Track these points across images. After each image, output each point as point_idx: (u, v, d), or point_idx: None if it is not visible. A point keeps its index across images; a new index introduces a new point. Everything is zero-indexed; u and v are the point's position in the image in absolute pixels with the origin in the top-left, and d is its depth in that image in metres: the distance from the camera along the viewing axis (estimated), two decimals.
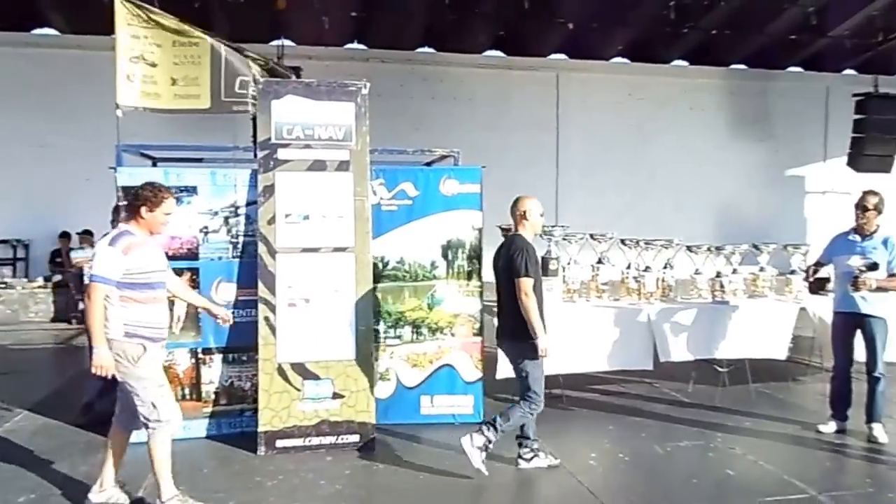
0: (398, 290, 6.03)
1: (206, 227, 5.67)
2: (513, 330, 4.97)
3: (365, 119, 5.57)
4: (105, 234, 4.31)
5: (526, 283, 4.82)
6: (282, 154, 5.47)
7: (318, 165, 5.52)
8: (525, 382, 4.98)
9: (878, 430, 5.83)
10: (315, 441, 5.45)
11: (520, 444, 5.22)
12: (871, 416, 5.87)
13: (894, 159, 12.18)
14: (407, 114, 11.38)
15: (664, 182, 12.31)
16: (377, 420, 5.66)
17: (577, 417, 6.37)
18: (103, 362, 4.09)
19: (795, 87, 13.51)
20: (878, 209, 5.80)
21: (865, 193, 5.91)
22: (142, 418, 4.25)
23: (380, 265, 5.97)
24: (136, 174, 5.58)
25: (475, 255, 6.10)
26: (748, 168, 12.21)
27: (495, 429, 4.93)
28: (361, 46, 11.44)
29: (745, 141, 13.04)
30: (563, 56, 12.23)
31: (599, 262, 6.84)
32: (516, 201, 5.19)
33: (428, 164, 6.99)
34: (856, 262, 5.59)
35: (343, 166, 5.55)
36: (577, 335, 6.27)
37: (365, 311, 5.57)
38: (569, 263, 6.78)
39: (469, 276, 6.10)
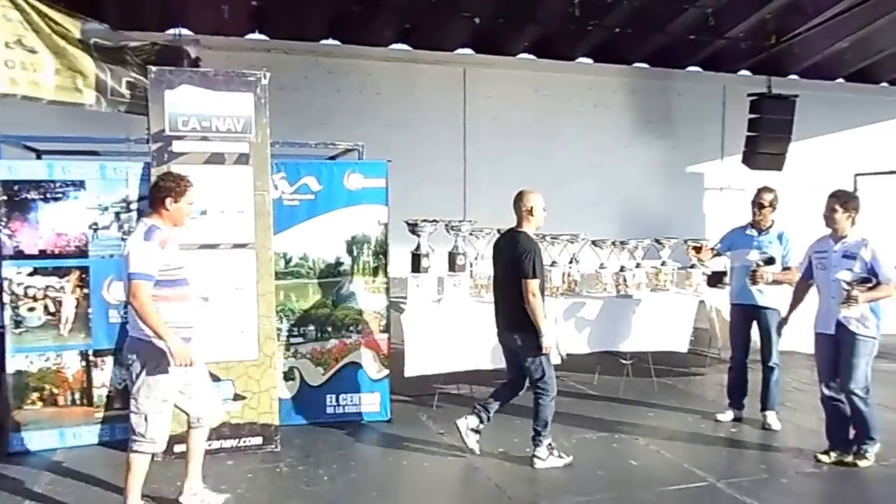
0: (302, 287, 5.95)
1: (95, 224, 5.45)
2: (517, 323, 5.17)
3: (265, 110, 5.45)
4: (133, 232, 4.15)
5: (533, 285, 5.04)
6: (177, 147, 5.29)
7: (215, 158, 5.37)
8: (533, 373, 5.19)
9: (771, 417, 6.15)
10: (215, 445, 5.30)
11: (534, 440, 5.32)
12: (765, 405, 6.18)
13: (785, 158, 12.81)
14: (312, 107, 11.18)
15: (571, 178, 12.51)
16: (281, 421, 5.59)
17: None
18: (183, 352, 3.94)
19: (694, 87, 13.99)
20: (773, 205, 6.15)
21: (761, 190, 6.23)
22: (130, 426, 4.08)
23: (282, 261, 5.87)
24: (17, 168, 5.30)
25: (381, 251, 6.08)
26: (651, 165, 12.60)
27: (487, 416, 5.33)
28: (263, 37, 11.16)
29: (648, 138, 13.44)
30: (469, 51, 12.29)
31: None
32: (521, 196, 5.38)
33: (332, 158, 6.91)
34: (754, 256, 5.90)
35: (242, 159, 5.42)
36: (485, 331, 6.31)
37: (267, 310, 5.46)
38: (476, 259, 6.84)
39: (375, 273, 6.08)
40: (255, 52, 10.83)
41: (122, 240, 5.45)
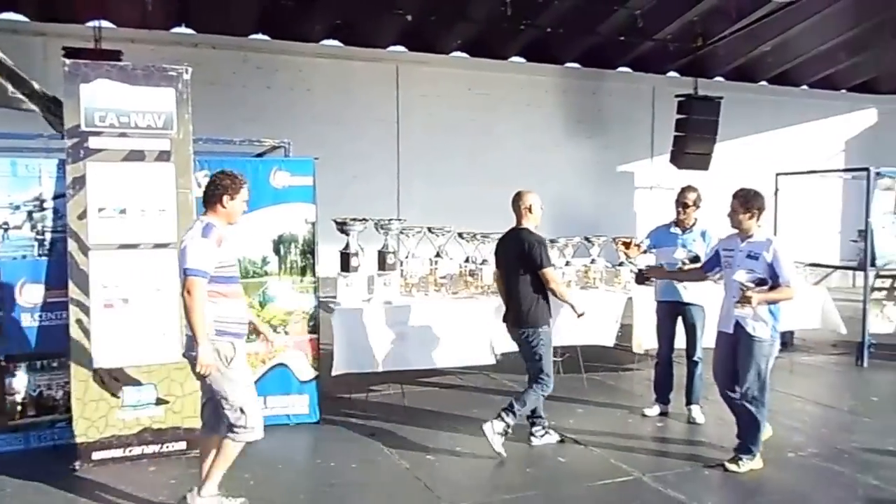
0: None
1: (6, 223, 5.23)
2: (525, 316, 5.43)
3: (187, 106, 5.31)
4: (189, 228, 4.18)
5: (551, 272, 5.39)
6: (93, 143, 5.10)
7: (135, 155, 5.20)
8: (537, 366, 5.45)
9: (696, 411, 6.29)
10: (137, 451, 5.17)
11: (532, 423, 5.66)
12: (690, 399, 6.32)
13: (711, 157, 13.18)
14: (241, 104, 11.01)
15: (503, 176, 12.56)
16: None
17: (416, 413, 6.41)
18: (209, 361, 3.99)
19: (625, 87, 14.28)
20: (697, 204, 6.26)
21: (684, 190, 6.35)
22: (227, 422, 4.13)
23: None
24: None
25: (309, 250, 5.99)
26: (582, 164, 12.83)
27: (514, 413, 5.36)
28: (190, 31, 10.92)
29: (580, 137, 13.65)
30: (402, 48, 12.29)
31: (438, 255, 6.93)
32: (519, 196, 5.60)
33: (259, 155, 6.79)
34: (680, 254, 5.97)
35: (163, 156, 5.27)
36: (415, 331, 6.31)
37: None
38: (407, 257, 6.82)
39: (303, 272, 5.99)
40: (182, 47, 10.60)
41: (36, 240, 5.27)
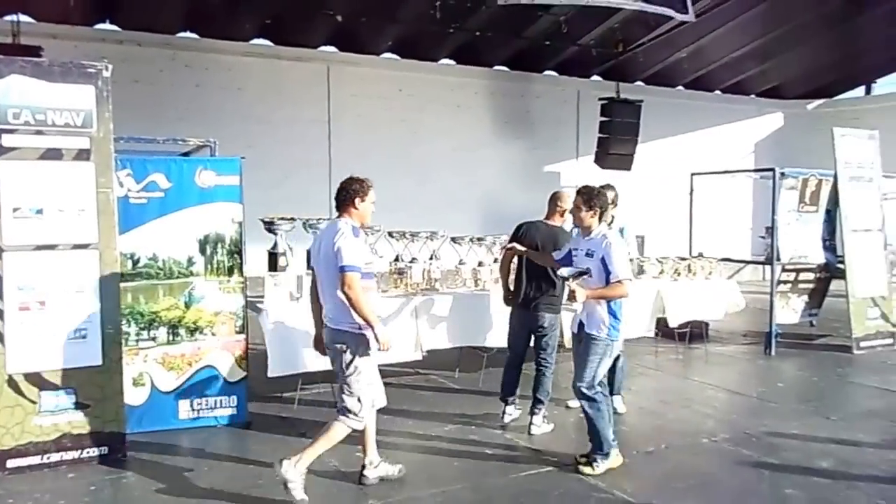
0: (151, 288, 5.55)
1: None
2: (541, 302, 5.74)
3: (108, 104, 5.03)
4: (338, 231, 4.32)
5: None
6: (7, 141, 4.78)
7: (52, 154, 4.90)
8: (550, 350, 5.81)
9: (617, 401, 6.32)
10: (55, 457, 4.88)
11: (533, 413, 5.82)
12: (611, 390, 6.33)
13: (633, 158, 13.38)
14: (168, 102, 10.61)
15: (434, 176, 12.57)
16: (130, 429, 5.20)
17: None
18: (387, 338, 4.35)
19: (551, 90, 14.38)
20: (615, 203, 6.28)
21: (603, 188, 6.33)
22: (342, 405, 4.39)
23: (129, 262, 5.45)
24: None
25: (236, 250, 5.78)
26: (510, 164, 12.84)
27: (543, 402, 5.75)
28: (115, 27, 10.45)
29: (508, 138, 13.68)
30: (333, 48, 12.08)
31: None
32: (561, 196, 5.89)
33: (186, 154, 6.53)
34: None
35: (83, 155, 4.98)
36: None
37: (112, 313, 5.05)
38: None
39: (230, 272, 5.77)
40: (106, 44, 10.15)
41: None
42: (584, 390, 4.95)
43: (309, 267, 4.75)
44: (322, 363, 5.98)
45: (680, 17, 9.86)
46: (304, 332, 5.93)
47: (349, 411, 4.39)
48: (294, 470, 4.29)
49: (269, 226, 6.05)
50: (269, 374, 5.82)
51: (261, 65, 11.60)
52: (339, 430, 4.42)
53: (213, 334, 5.72)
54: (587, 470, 4.94)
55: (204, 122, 9.92)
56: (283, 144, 11.48)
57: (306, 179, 11.70)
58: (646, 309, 7.76)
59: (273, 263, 6.07)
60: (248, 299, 5.96)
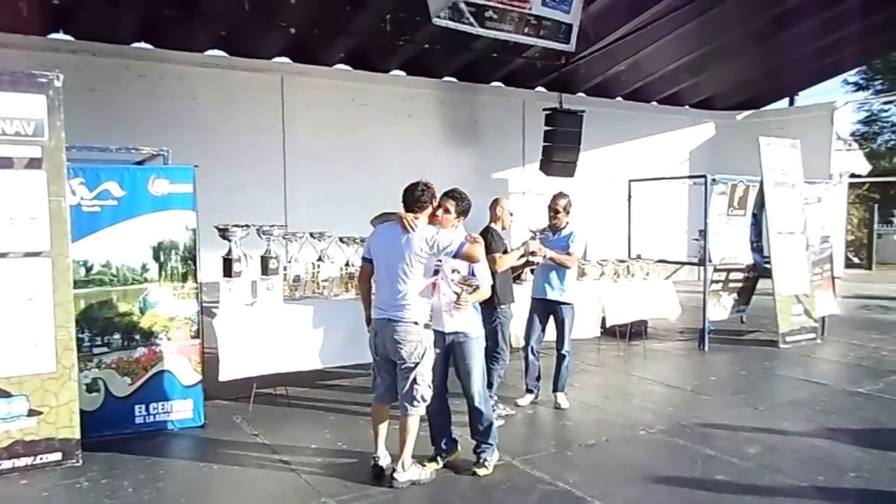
0: (105, 295, 5.41)
1: None
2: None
3: (59, 113, 4.89)
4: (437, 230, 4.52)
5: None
6: None
7: (3, 163, 4.73)
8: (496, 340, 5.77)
9: (561, 398, 6.41)
10: (7, 465, 4.72)
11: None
12: (556, 387, 6.43)
13: (576, 166, 13.53)
14: (122, 111, 10.36)
15: (387, 183, 12.41)
16: (85, 435, 5.04)
17: (300, 413, 6.22)
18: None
19: (498, 101, 14.47)
20: (567, 210, 6.39)
21: (556, 196, 6.47)
22: (416, 396, 4.52)
23: (83, 270, 5.31)
24: None
25: (190, 256, 5.67)
26: (460, 171, 12.78)
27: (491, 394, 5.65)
28: (69, 37, 10.17)
29: (457, 147, 13.72)
30: (287, 59, 11.96)
31: (320, 259, 6.74)
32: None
33: (140, 162, 6.38)
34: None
35: (34, 164, 4.83)
36: (300, 333, 6.11)
37: (65, 320, 4.90)
38: (290, 262, 6.60)
39: (184, 278, 5.66)
40: (60, 53, 9.87)
41: None
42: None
43: (367, 261, 4.74)
44: (274, 367, 5.97)
45: (560, 47, 10.32)
46: (257, 335, 5.89)
47: (422, 399, 4.55)
48: (408, 472, 4.61)
49: (224, 232, 5.95)
50: (221, 378, 5.73)
51: (215, 75, 11.42)
52: (414, 421, 4.59)
53: (169, 339, 5.61)
54: (482, 472, 4.83)
55: (158, 131, 9.74)
56: (237, 153, 11.33)
57: (261, 187, 11.57)
58: (590, 311, 7.87)
59: (227, 269, 5.98)
60: (203, 304, 5.87)
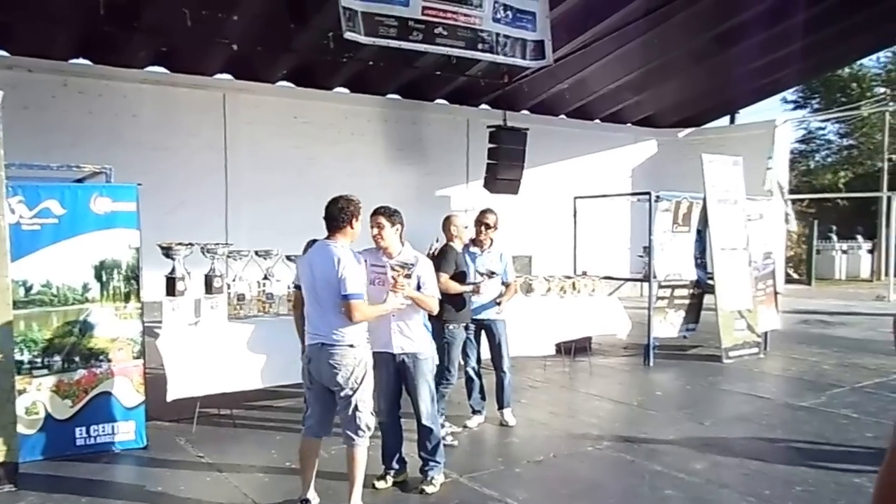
0: (45, 315, 5.42)
1: None
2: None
3: None
4: (330, 254, 4.38)
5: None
6: None
7: None
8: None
9: (507, 414, 6.57)
10: None
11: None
12: (501, 404, 6.57)
13: (520, 183, 13.86)
14: (60, 129, 10.27)
15: (328, 199, 12.63)
16: (23, 458, 5.05)
17: (246, 434, 6.29)
18: (402, 297, 4.63)
19: (442, 118, 14.71)
20: (496, 226, 6.43)
21: (485, 212, 6.49)
22: (360, 424, 4.40)
23: (22, 290, 5.31)
24: None
25: (133, 276, 5.72)
26: (403, 188, 13.01)
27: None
28: (3, 53, 10.07)
29: (401, 164, 13.91)
30: (228, 76, 12.02)
31: (265, 278, 6.84)
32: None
33: (80, 180, 6.41)
34: (481, 268, 6.24)
35: None
36: (244, 352, 6.19)
37: (3, 341, 4.91)
38: (234, 280, 6.69)
39: (127, 298, 5.71)
40: None
41: None
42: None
43: (297, 287, 4.71)
44: (219, 386, 6.04)
45: (537, 64, 10.45)
46: (202, 355, 5.97)
47: (367, 428, 4.43)
48: None
49: (167, 251, 6.03)
50: (169, 398, 5.78)
51: (156, 92, 11.40)
52: (362, 452, 4.46)
53: (110, 360, 5.64)
54: (430, 489, 4.92)
55: (98, 149, 9.69)
56: (179, 171, 11.31)
57: (203, 205, 11.56)
58: (540, 328, 8.07)
59: (171, 288, 6.05)
60: (146, 324, 5.91)
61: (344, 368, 4.32)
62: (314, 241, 4.79)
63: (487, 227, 6.38)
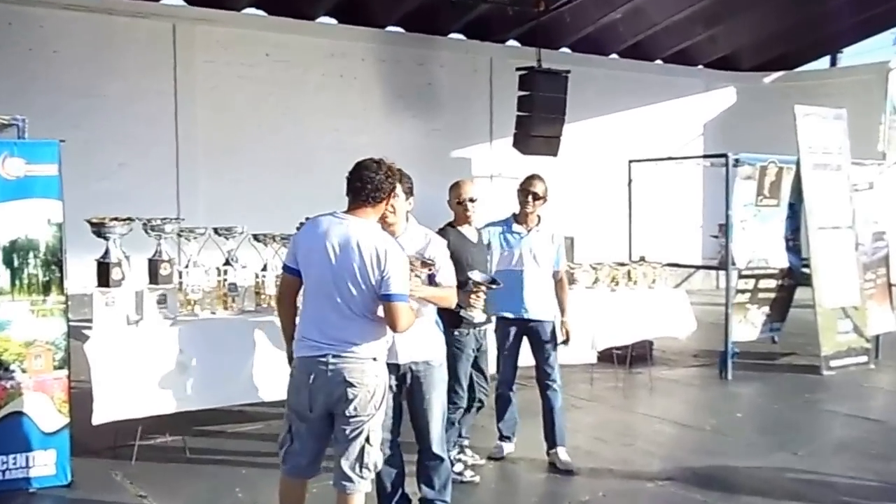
0: None
1: None
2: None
3: None
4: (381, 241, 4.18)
5: None
6: None
7: None
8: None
9: (563, 454, 6.24)
10: None
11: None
12: (552, 440, 6.28)
13: (560, 141, 13.69)
14: None
15: (313, 162, 12.55)
16: None
17: (201, 468, 6.21)
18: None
19: (458, 58, 14.57)
20: (546, 197, 6.21)
21: (533, 178, 6.26)
22: (369, 463, 4.20)
23: None
24: None
25: (54, 261, 5.60)
26: (407, 149, 12.74)
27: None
28: None
29: (402, 116, 13.78)
30: (181, 2, 11.91)
31: (227, 263, 6.73)
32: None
33: None
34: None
35: None
36: (200, 361, 6.07)
37: None
38: (187, 266, 6.56)
39: (46, 289, 5.58)
40: None
41: None
42: None
43: (291, 271, 4.34)
44: (166, 405, 5.93)
45: None
46: (144, 365, 5.85)
47: (374, 467, 4.24)
48: None
49: (99, 228, 5.91)
50: (95, 421, 5.67)
51: (85, 21, 11.30)
52: (361, 500, 4.26)
53: (24, 371, 5.52)
54: None
55: (7, 94, 9.59)
56: (115, 124, 11.22)
57: (146, 168, 11.49)
58: (585, 329, 7.93)
59: (104, 277, 5.93)
60: (71, 324, 5.80)
61: (363, 389, 4.09)
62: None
63: (536, 197, 6.15)
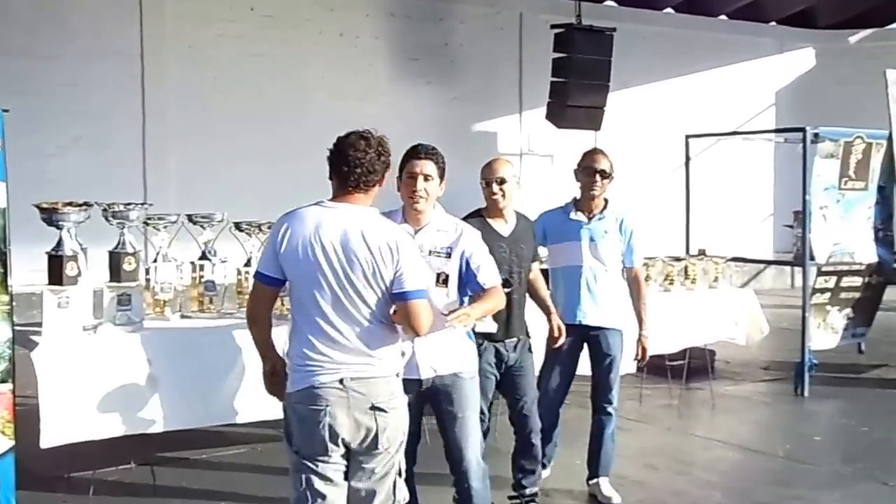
0: None
1: None
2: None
3: None
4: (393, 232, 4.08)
5: None
6: None
7: None
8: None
9: (605, 486, 6.30)
10: None
11: None
12: (595, 469, 6.31)
13: (604, 112, 13.61)
14: None
15: (306, 137, 12.42)
16: None
17: (175, 500, 6.23)
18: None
19: (481, 13, 14.54)
20: (612, 176, 6.10)
21: (594, 153, 6.21)
22: (397, 500, 4.10)
23: None
24: None
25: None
26: (422, 120, 12.86)
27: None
28: None
29: (415, 82, 13.77)
30: None
31: (203, 257, 6.74)
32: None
33: None
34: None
35: None
36: (170, 373, 6.06)
37: None
38: (156, 261, 6.58)
39: None
40: None
41: None
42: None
43: (268, 280, 4.10)
44: (129, 426, 5.93)
45: None
46: (103, 377, 5.85)
47: (403, 501, 4.14)
48: None
49: (50, 215, 5.92)
50: (44, 444, 5.67)
51: None
52: None
53: None
54: None
55: None
56: (69, 92, 11.27)
57: (107, 144, 11.54)
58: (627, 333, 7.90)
59: (56, 273, 5.93)
60: (17, 329, 5.81)
61: (395, 415, 3.97)
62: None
63: (604, 175, 6.05)
